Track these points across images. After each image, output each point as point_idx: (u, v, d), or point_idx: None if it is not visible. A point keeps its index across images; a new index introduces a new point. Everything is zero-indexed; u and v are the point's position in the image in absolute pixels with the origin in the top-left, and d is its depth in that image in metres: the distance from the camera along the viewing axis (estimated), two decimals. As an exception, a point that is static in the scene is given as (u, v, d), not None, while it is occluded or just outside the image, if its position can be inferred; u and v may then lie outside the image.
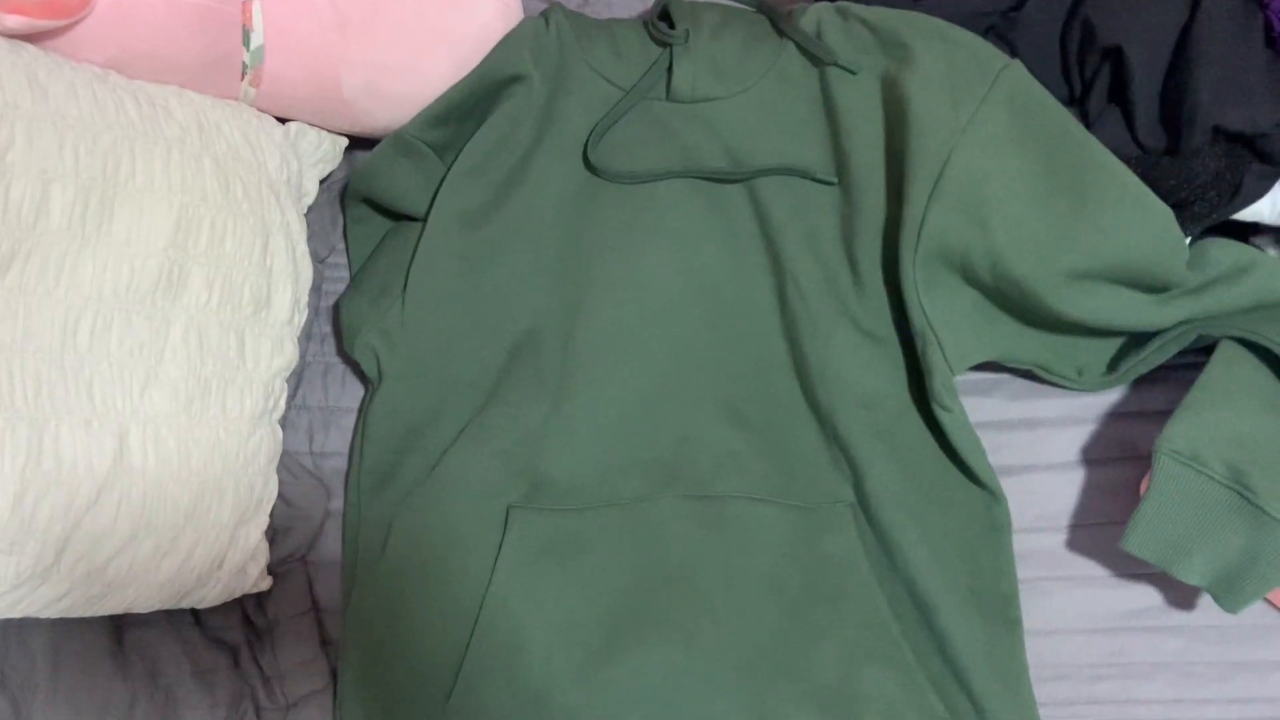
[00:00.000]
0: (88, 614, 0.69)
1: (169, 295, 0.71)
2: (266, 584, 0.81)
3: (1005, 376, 0.84)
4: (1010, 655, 0.76)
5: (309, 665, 0.80)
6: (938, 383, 0.77)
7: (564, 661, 0.74)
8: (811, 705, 0.73)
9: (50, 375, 0.65)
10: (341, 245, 0.91)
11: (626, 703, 0.73)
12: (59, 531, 0.64)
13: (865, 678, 0.74)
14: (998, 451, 0.81)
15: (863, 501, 0.79)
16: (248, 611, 0.81)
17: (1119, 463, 0.82)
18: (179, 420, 0.71)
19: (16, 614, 0.66)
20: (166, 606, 0.73)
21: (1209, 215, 0.78)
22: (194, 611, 0.79)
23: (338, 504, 0.85)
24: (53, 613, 0.67)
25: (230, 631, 0.80)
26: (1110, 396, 0.83)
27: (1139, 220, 0.74)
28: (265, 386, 0.77)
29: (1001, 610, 0.77)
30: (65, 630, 0.71)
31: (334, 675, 0.80)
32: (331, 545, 0.84)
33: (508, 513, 0.77)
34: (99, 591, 0.68)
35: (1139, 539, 0.71)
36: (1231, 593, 0.71)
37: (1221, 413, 0.71)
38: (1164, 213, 0.75)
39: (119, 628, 0.74)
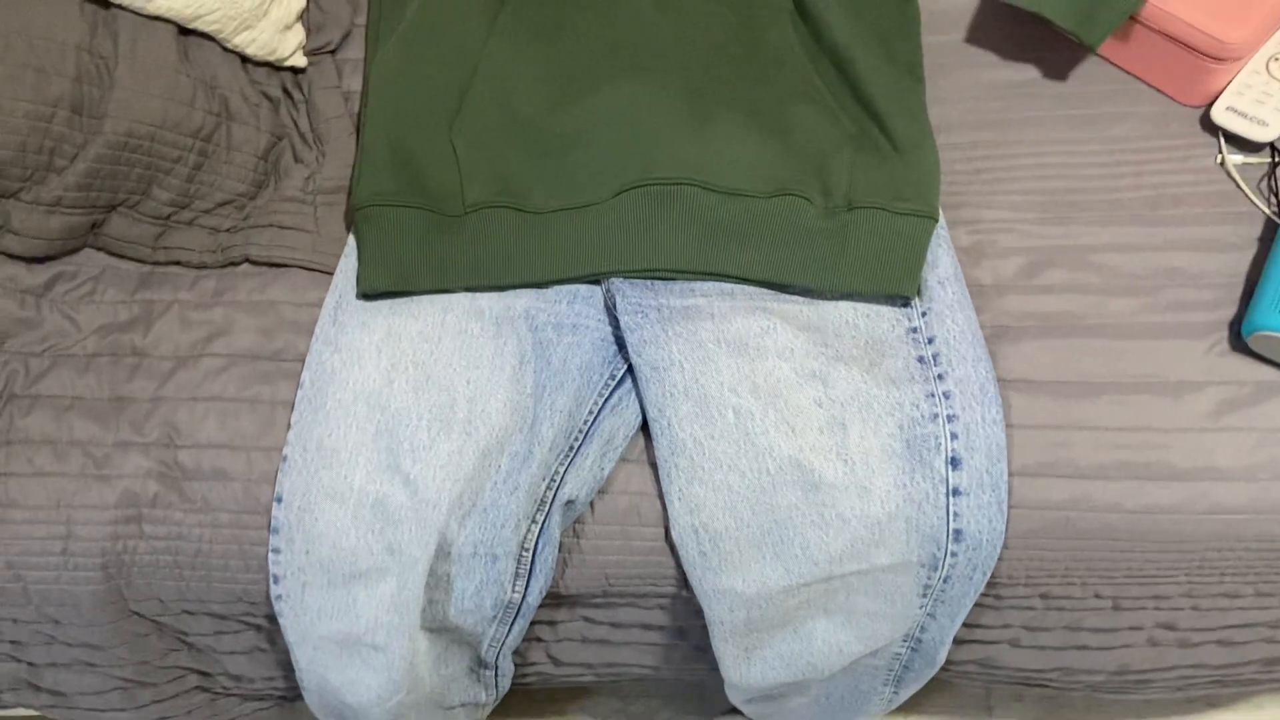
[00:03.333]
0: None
1: None
2: (302, 62, 0.98)
3: None
4: (913, 95, 0.92)
5: (337, 121, 0.97)
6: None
7: (545, 96, 0.91)
8: (746, 118, 0.90)
9: None
10: None
11: (597, 122, 0.90)
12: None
13: (795, 111, 0.90)
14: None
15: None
16: (285, 83, 0.98)
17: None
18: None
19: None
20: (214, 29, 0.90)
21: None
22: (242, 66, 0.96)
23: (362, 19, 1.02)
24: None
25: (273, 88, 0.97)
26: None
27: None
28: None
29: (908, 68, 0.94)
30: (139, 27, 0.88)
31: (357, 127, 0.97)
32: (356, 48, 1.02)
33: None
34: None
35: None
36: (1089, 24, 0.89)
37: None
38: None
39: (183, 35, 0.91)
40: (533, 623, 0.92)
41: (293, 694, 0.99)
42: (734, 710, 1.13)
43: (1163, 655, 0.92)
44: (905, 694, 0.98)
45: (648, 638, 0.94)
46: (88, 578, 0.82)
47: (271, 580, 0.82)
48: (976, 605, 0.86)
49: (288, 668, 0.93)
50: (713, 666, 0.97)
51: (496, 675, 0.95)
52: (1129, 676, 0.95)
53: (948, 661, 0.94)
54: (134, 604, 0.85)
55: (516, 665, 0.97)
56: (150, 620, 0.87)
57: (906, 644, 0.90)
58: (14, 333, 0.88)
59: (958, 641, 0.91)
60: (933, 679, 1.00)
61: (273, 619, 0.87)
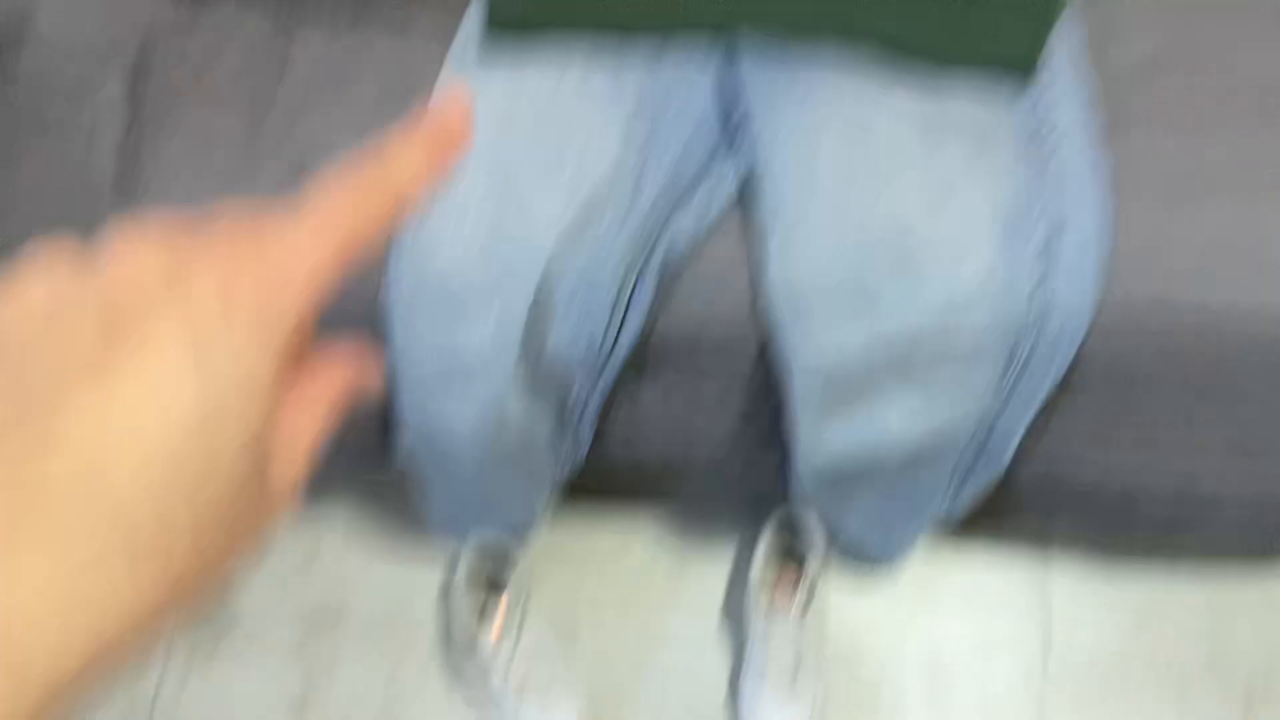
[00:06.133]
0: None
1: None
2: None
3: None
4: None
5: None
6: None
7: None
8: None
9: None
10: None
11: None
12: None
13: None
14: None
15: None
16: None
17: None
18: None
19: None
20: None
21: None
22: None
23: None
24: None
25: None
26: None
27: None
28: None
29: None
30: None
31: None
32: None
33: None
34: None
35: None
36: None
37: None
38: None
39: None
40: (613, 392, 0.95)
41: (383, 455, 1.04)
42: (786, 514, 1.17)
43: (1235, 467, 0.93)
44: (965, 496, 1.01)
45: (722, 416, 0.97)
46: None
47: (387, 288, 0.86)
48: (1050, 404, 0.88)
49: (384, 419, 0.98)
50: (781, 459, 1.01)
51: (576, 442, 1.00)
52: (1198, 490, 0.96)
53: (1010, 473, 0.96)
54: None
55: (595, 432, 1.01)
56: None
57: (976, 434, 0.92)
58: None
59: (1024, 447, 0.93)
60: (991, 499, 1.02)
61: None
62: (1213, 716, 1.18)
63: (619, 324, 0.87)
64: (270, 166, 0.88)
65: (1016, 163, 0.82)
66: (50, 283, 0.24)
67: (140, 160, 0.88)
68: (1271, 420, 0.88)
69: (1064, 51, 0.86)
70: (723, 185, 0.88)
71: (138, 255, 0.25)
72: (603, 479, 1.25)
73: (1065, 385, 0.86)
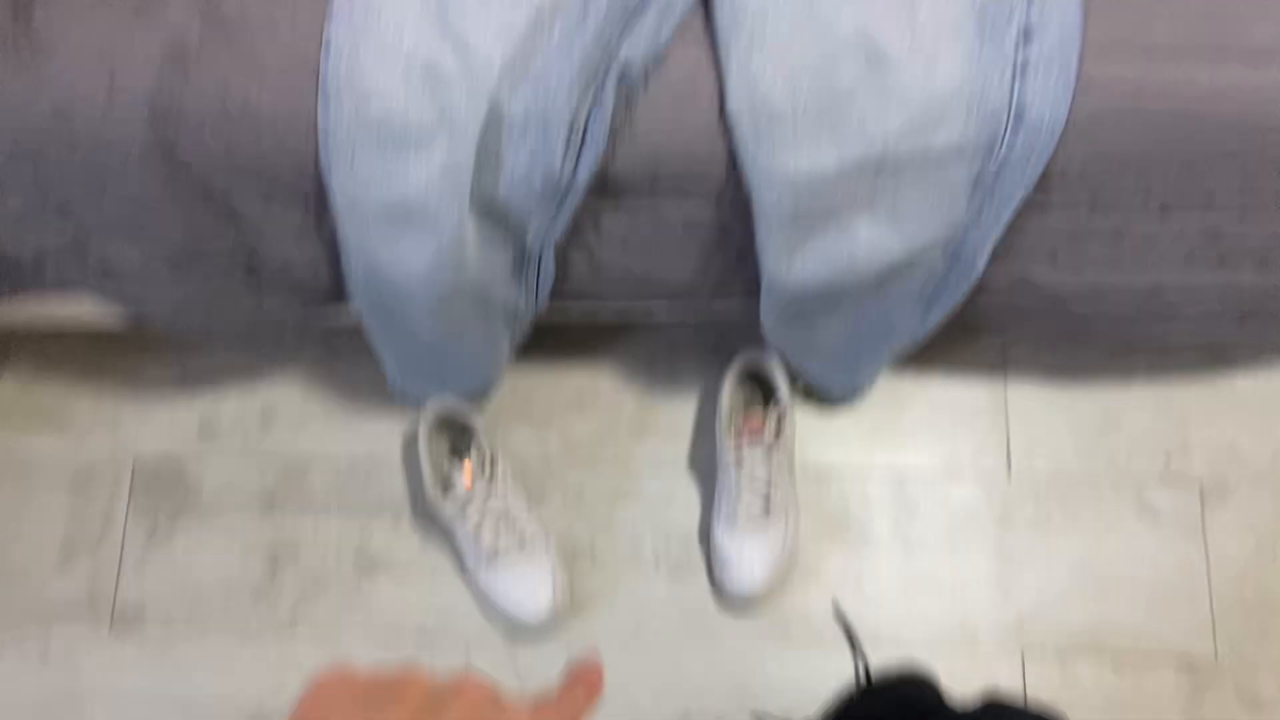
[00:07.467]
0: None
1: None
2: None
3: None
4: None
5: None
6: None
7: None
8: None
9: None
10: None
11: None
12: None
13: None
14: None
15: None
16: None
17: None
18: None
19: None
20: None
21: None
22: None
23: None
24: None
25: None
26: None
27: None
28: None
29: None
30: None
31: None
32: None
33: None
34: None
35: None
36: None
37: None
38: None
39: None
40: (575, 222, 0.92)
41: (336, 293, 1.00)
42: (750, 356, 1.16)
43: (1199, 275, 0.93)
44: (935, 317, 1.00)
45: (690, 240, 0.94)
46: (134, 120, 0.80)
47: (320, 137, 0.81)
48: (1022, 210, 0.86)
49: (334, 254, 0.94)
50: (750, 281, 0.98)
51: (539, 275, 0.96)
52: (1160, 301, 0.96)
53: (981, 284, 0.95)
54: (184, 154, 0.84)
55: (556, 273, 0.98)
56: (201, 184, 0.86)
57: (946, 253, 0.90)
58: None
59: (995, 257, 0.92)
60: (953, 323, 1.01)
61: (322, 194, 0.86)
62: (1171, 519, 1.22)
63: (576, 155, 0.83)
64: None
65: None
66: None
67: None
68: (1237, 223, 0.87)
69: None
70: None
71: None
72: (563, 331, 1.23)
73: (1039, 188, 0.84)
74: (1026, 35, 0.77)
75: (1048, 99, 0.78)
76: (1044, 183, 0.84)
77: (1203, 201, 0.85)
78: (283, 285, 0.99)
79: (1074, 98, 0.78)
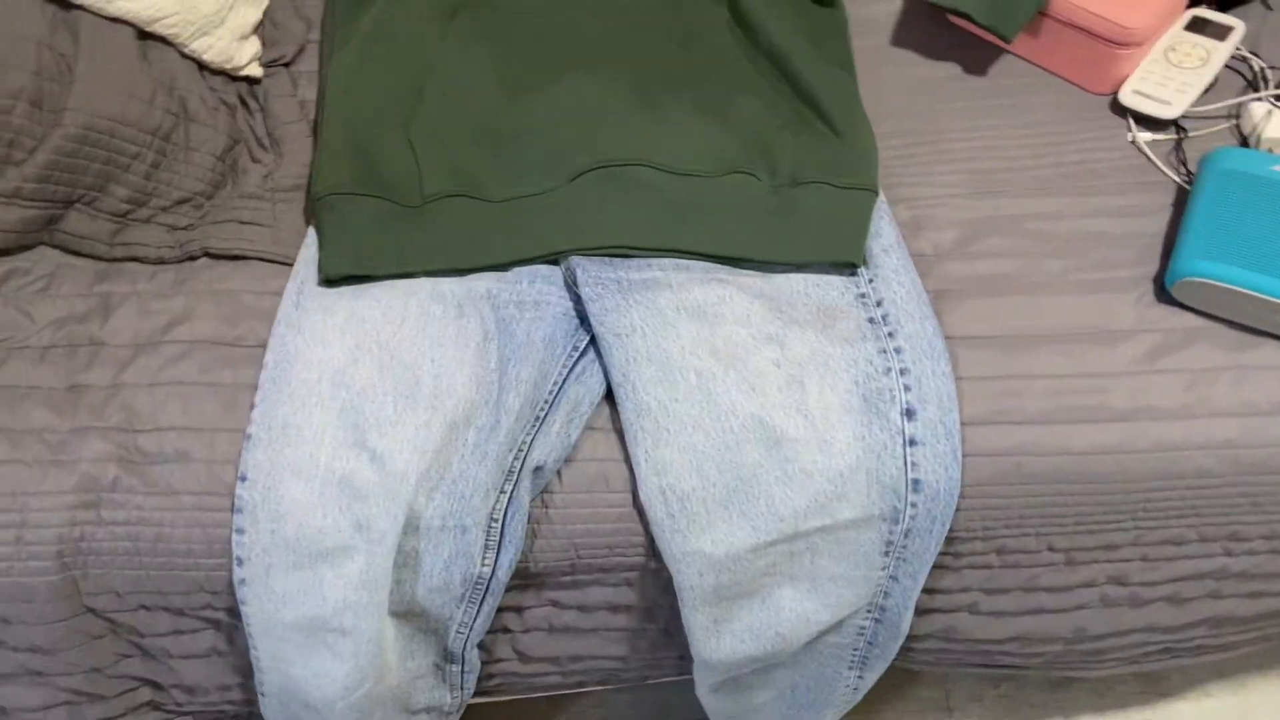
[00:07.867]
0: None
1: None
2: (258, 73, 1.00)
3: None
4: (848, 85, 0.98)
5: (293, 125, 0.99)
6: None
7: (498, 95, 0.95)
8: (692, 107, 0.94)
9: None
10: None
11: (549, 115, 0.93)
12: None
13: (737, 101, 0.95)
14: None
15: (733, 8, 1.02)
16: (241, 93, 1.00)
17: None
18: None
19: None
20: (172, 32, 0.92)
21: None
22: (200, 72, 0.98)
23: (315, 35, 1.06)
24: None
25: (229, 95, 0.99)
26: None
27: None
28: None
29: (841, 64, 1.00)
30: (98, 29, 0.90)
31: (314, 129, 0.99)
32: (310, 62, 1.05)
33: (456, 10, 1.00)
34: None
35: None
36: (1004, 19, 0.96)
37: None
38: None
39: (143, 38, 0.93)
40: (499, 611, 0.91)
41: (248, 710, 0.96)
42: None
43: (1117, 617, 0.95)
44: (870, 678, 0.99)
45: (616, 621, 0.93)
46: (43, 568, 0.79)
47: (235, 563, 0.80)
48: (935, 567, 0.88)
49: (246, 675, 0.91)
50: (681, 656, 0.97)
51: (463, 672, 0.94)
52: (1085, 645, 0.98)
53: (910, 638, 0.95)
54: (89, 598, 0.82)
55: (482, 664, 0.96)
56: (104, 619, 0.84)
57: (871, 613, 0.91)
58: (-35, 330, 0.87)
59: (919, 612, 0.93)
60: (893, 670, 1.01)
61: (234, 613, 0.85)
62: None
63: (495, 554, 0.84)
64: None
65: (863, 342, 0.85)
66: None
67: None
68: (1146, 553, 0.90)
69: (886, 234, 0.91)
70: (586, 394, 0.87)
71: None
72: (494, 710, 1.18)
73: (947, 547, 0.87)
74: (909, 413, 0.82)
75: (939, 467, 0.82)
76: (951, 543, 0.87)
77: (1104, 552, 0.88)
78: (190, 713, 0.94)
79: (962, 466, 0.83)
